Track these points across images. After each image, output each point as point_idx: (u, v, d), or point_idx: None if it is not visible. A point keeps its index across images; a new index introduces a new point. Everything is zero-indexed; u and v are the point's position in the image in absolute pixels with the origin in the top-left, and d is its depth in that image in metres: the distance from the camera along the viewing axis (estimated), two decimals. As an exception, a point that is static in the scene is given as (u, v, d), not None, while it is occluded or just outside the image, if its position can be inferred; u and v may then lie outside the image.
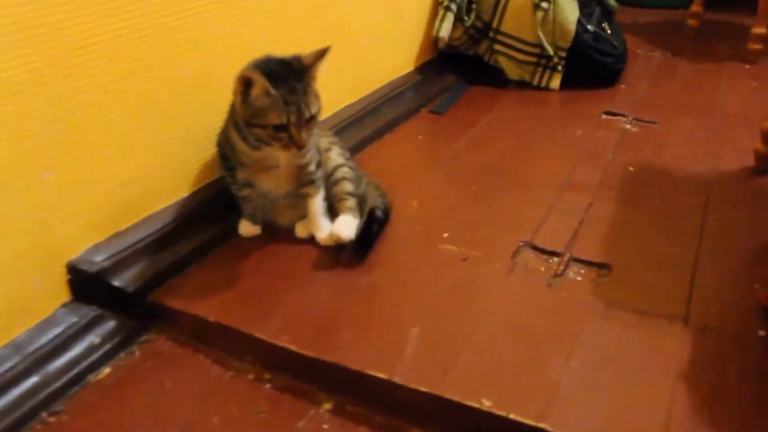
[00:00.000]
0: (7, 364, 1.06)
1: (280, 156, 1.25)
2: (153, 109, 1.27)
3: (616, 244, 1.32)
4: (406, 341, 1.07)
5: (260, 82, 1.13)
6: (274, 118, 1.15)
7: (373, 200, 1.39)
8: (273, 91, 1.13)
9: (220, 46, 1.39)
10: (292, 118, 1.15)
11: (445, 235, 1.36)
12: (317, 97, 1.20)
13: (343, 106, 1.85)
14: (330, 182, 1.36)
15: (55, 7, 1.06)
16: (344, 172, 1.37)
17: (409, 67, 2.18)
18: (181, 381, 1.10)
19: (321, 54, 1.18)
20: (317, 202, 1.33)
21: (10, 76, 1.01)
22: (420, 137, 1.90)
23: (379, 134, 1.88)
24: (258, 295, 1.21)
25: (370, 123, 1.88)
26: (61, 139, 1.11)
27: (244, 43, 1.44)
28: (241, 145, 1.25)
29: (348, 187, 1.35)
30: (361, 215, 1.34)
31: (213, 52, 1.37)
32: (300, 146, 1.17)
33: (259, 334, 1.11)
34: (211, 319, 1.15)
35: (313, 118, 1.18)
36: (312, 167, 1.32)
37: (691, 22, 2.80)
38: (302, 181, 1.32)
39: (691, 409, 0.94)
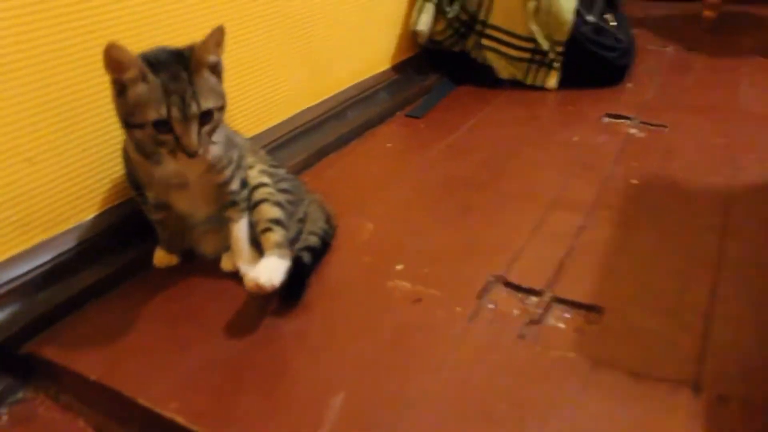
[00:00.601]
0: None
1: (184, 171, 1.01)
2: (37, 112, 1.03)
3: (611, 279, 1.06)
4: (323, 415, 0.81)
5: (132, 62, 0.89)
6: (152, 113, 0.90)
7: (313, 225, 1.14)
8: (150, 76, 0.89)
9: (136, 33, 1.14)
10: (174, 112, 0.90)
11: (399, 267, 1.11)
12: (216, 91, 0.95)
13: (299, 109, 1.60)
14: (250, 206, 1.11)
15: None
16: (265, 192, 1.11)
17: (384, 65, 1.93)
18: (50, 457, 0.86)
19: (212, 36, 0.93)
20: (240, 228, 1.09)
21: None
22: (389, 145, 1.64)
23: (343, 142, 1.63)
24: (154, 346, 0.96)
25: (333, 129, 1.63)
26: None
27: (166, 30, 1.20)
28: (136, 156, 1.01)
29: (271, 211, 1.09)
30: (300, 242, 1.11)
31: (125, 39, 1.12)
32: (188, 150, 0.92)
33: (142, 400, 0.87)
34: (93, 377, 0.92)
35: (207, 115, 0.93)
36: (234, 186, 1.07)
37: (707, 13, 2.56)
38: (223, 203, 1.08)
39: None
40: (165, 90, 0.89)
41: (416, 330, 0.96)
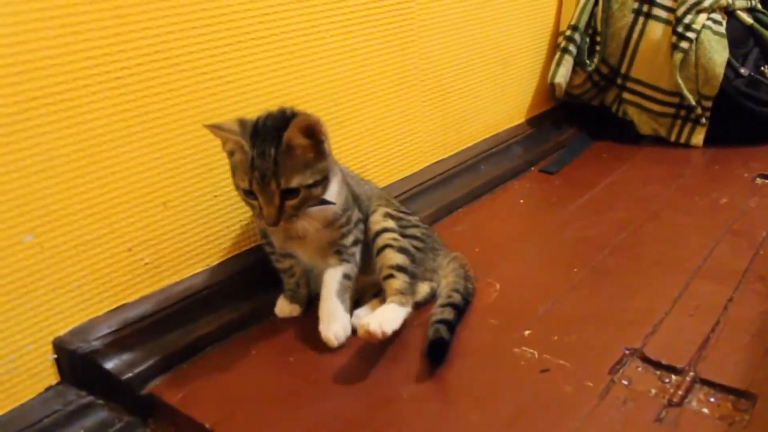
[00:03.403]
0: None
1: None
2: (173, 160, 1.07)
3: (766, 362, 0.95)
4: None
5: (228, 137, 0.95)
6: (241, 181, 0.94)
7: (456, 282, 1.12)
8: (246, 147, 0.93)
9: (269, 86, 1.17)
10: (255, 186, 0.93)
11: (527, 333, 1.05)
12: (308, 169, 0.95)
13: (431, 162, 1.58)
14: (374, 254, 1.09)
15: (41, 40, 0.89)
16: (388, 238, 1.08)
17: (519, 118, 1.88)
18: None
19: (298, 123, 0.93)
20: (332, 275, 1.06)
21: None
22: (521, 201, 1.59)
23: (474, 196, 1.60)
24: (270, 398, 0.95)
25: (464, 182, 1.60)
26: (45, 195, 0.93)
27: (297, 83, 1.22)
28: None
29: (394, 258, 1.06)
30: (443, 297, 1.09)
31: (255, 94, 1.15)
32: (266, 221, 0.94)
33: (254, 456, 0.85)
34: (207, 425, 0.91)
35: (290, 192, 0.94)
36: (347, 241, 1.07)
37: None
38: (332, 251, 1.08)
39: None
40: (252, 164, 0.92)
41: (541, 405, 0.89)
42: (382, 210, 1.12)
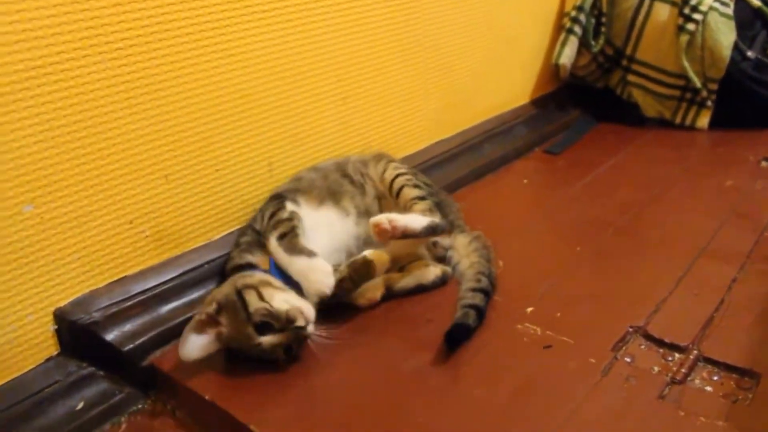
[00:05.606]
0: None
1: None
2: (175, 132, 1.06)
3: (769, 340, 0.95)
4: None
5: None
6: None
7: (480, 264, 1.10)
8: None
9: (271, 61, 1.17)
10: None
11: (530, 310, 1.04)
12: None
13: (434, 140, 1.57)
14: (394, 197, 1.17)
15: (41, 9, 0.88)
16: (403, 180, 1.17)
17: (523, 99, 1.87)
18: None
19: None
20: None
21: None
22: (525, 181, 1.58)
23: (478, 175, 1.59)
24: (270, 371, 0.94)
25: (468, 162, 1.59)
26: (46, 166, 0.92)
27: (300, 58, 1.21)
28: None
29: (412, 192, 1.15)
30: (471, 281, 1.07)
31: (257, 68, 1.14)
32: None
33: (254, 427, 0.85)
34: (207, 397, 0.91)
35: None
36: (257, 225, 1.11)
37: None
38: None
39: None
40: None
41: (544, 381, 0.89)
42: (392, 164, 1.20)
